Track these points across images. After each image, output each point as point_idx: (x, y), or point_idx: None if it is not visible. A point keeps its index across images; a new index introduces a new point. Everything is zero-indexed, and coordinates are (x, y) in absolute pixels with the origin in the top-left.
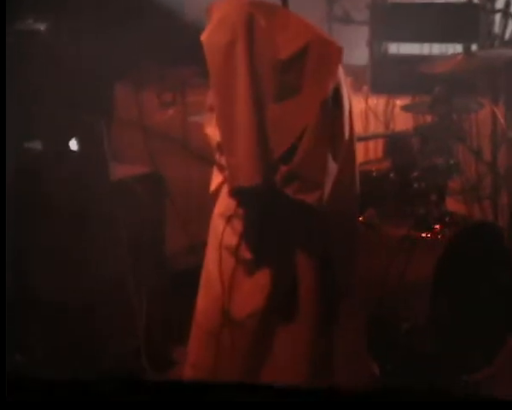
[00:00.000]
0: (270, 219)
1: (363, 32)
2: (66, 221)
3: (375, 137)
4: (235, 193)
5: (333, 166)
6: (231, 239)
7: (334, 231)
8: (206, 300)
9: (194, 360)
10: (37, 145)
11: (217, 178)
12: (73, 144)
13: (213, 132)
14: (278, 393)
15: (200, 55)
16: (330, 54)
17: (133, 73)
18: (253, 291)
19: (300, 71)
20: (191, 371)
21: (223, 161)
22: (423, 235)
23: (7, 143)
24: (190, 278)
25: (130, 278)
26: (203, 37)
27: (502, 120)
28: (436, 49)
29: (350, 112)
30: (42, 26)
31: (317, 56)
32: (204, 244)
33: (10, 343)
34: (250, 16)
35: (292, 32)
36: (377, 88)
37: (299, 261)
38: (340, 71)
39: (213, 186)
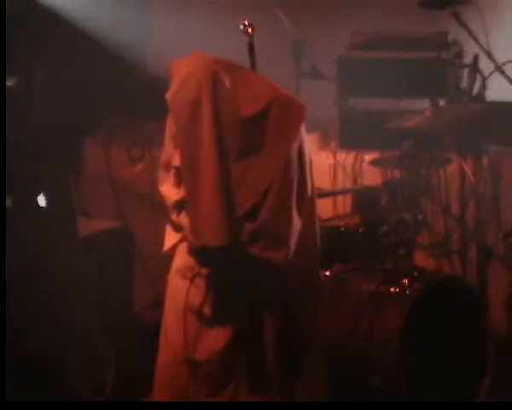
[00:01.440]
0: (232, 275)
1: (331, 88)
2: (34, 276)
3: (343, 192)
4: (198, 251)
5: (297, 223)
6: (195, 298)
7: (295, 285)
8: (166, 356)
9: None
10: (6, 202)
11: (171, 237)
12: (41, 200)
13: (168, 191)
14: None
15: (167, 110)
16: (293, 112)
17: (102, 128)
18: (213, 340)
19: (263, 129)
20: None
21: (180, 219)
22: (392, 289)
23: None
24: (158, 333)
25: (97, 333)
26: (168, 95)
27: (470, 175)
28: (404, 104)
29: (310, 168)
30: (9, 81)
31: (279, 115)
32: None
33: None
34: (214, 74)
35: (254, 90)
36: (345, 143)
37: (260, 315)
38: (302, 128)
39: (168, 245)
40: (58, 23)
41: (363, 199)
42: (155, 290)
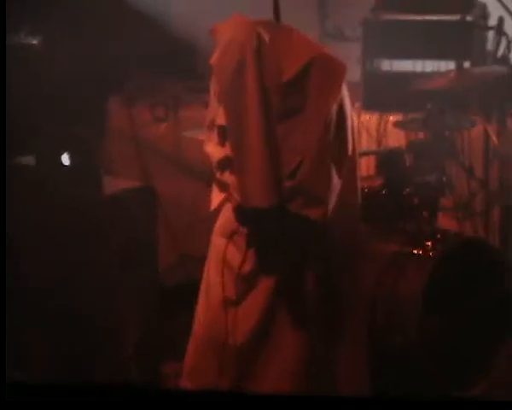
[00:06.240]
0: (272, 233)
1: (355, 49)
2: (58, 235)
3: (367, 153)
4: (242, 210)
5: (337, 182)
6: (234, 257)
7: (336, 244)
8: (207, 314)
9: (191, 370)
10: (29, 160)
11: (218, 196)
12: (66, 159)
13: (214, 150)
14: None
15: (192, 70)
16: (334, 71)
17: (126, 87)
18: (255, 304)
19: (304, 89)
20: (188, 381)
21: (224, 178)
22: (415, 251)
23: None
24: (181, 292)
25: (121, 292)
26: (212, 60)
27: (494, 138)
28: (429, 65)
29: (352, 127)
30: (34, 40)
31: (320, 73)
32: (195, 259)
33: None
34: (258, 37)
35: (296, 49)
36: (370, 105)
37: (301, 272)
38: (343, 87)
39: (215, 204)
40: None
41: (387, 160)
42: (179, 249)
